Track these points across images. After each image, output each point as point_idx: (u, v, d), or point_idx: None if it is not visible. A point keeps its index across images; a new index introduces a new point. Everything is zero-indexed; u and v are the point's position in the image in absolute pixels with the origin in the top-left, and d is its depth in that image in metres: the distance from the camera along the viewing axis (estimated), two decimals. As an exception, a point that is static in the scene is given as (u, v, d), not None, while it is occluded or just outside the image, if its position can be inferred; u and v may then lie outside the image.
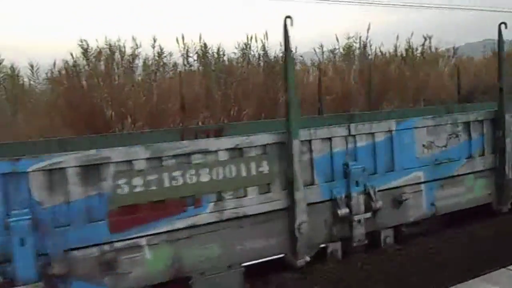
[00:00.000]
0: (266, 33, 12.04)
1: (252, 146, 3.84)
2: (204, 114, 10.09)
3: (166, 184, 3.46)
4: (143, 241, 3.40)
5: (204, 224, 3.64)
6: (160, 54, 12.33)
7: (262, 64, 12.44)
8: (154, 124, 9.54)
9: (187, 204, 3.60)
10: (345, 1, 30.78)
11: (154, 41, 11.97)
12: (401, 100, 12.98)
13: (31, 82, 11.92)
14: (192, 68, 12.47)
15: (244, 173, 3.76)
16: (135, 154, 3.38)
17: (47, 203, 3.18)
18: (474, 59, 19.55)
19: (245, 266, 3.91)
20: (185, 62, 12.45)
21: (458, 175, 5.10)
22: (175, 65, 12.59)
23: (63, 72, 11.25)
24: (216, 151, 3.68)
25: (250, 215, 3.86)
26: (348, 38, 14.49)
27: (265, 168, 3.91)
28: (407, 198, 4.69)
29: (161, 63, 12.38)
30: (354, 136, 4.35)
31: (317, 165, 4.20)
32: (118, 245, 3.32)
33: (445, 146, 4.98)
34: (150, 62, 12.15)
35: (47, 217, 3.14)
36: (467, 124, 5.16)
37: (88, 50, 11.42)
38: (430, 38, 15.38)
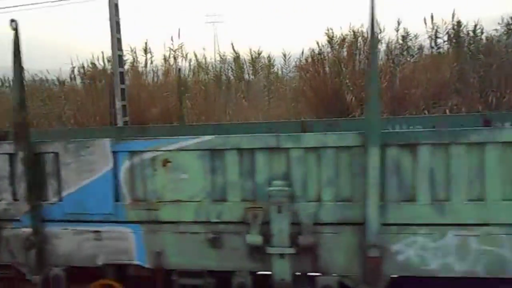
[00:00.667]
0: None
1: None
2: (454, 101, 8.98)
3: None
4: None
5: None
6: (405, 37, 11.75)
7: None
8: (396, 110, 9.14)
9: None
10: None
11: (398, 24, 11.52)
12: None
13: (283, 70, 13.33)
14: (441, 50, 11.37)
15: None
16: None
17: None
18: None
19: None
20: (433, 44, 11.46)
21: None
22: (420, 47, 11.76)
23: (309, 60, 12.10)
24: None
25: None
26: None
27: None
28: None
29: (405, 47, 11.78)
30: None
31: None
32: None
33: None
34: (393, 46, 11.73)
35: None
36: None
37: (333, 38, 11.88)
38: None
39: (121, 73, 15.40)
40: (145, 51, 17.16)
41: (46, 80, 19.17)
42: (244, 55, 14.16)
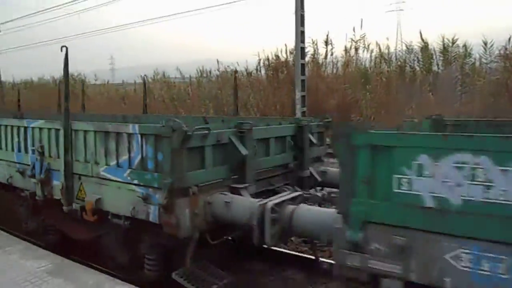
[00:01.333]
0: None
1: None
2: None
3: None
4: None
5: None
6: None
7: None
8: None
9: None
10: None
11: None
12: None
13: (482, 60, 11.54)
14: None
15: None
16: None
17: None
18: None
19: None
20: None
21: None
22: None
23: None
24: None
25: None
26: None
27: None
28: None
29: None
30: None
31: None
32: None
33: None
34: None
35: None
36: None
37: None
38: None
39: (302, 65, 15.88)
40: (326, 42, 17.21)
41: (236, 71, 21.25)
42: (434, 43, 12.79)
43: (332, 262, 3.36)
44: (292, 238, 5.33)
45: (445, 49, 12.44)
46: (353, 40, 15.38)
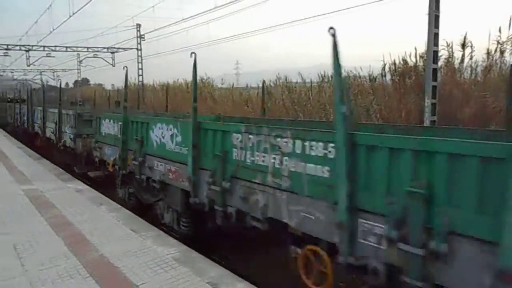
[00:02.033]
0: None
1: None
2: None
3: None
4: None
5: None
6: None
7: None
8: None
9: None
10: None
11: None
12: None
13: None
14: None
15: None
16: None
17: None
18: None
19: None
20: None
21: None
22: None
23: None
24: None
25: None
26: None
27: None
28: None
29: None
30: None
31: None
32: None
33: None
34: None
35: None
36: None
37: None
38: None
39: (434, 70, 14.63)
40: (463, 45, 15.59)
41: (359, 76, 20.57)
42: None
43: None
44: None
45: None
46: (499, 42, 13.61)
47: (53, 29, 30.60)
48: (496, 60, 13.92)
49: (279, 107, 22.51)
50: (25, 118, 18.43)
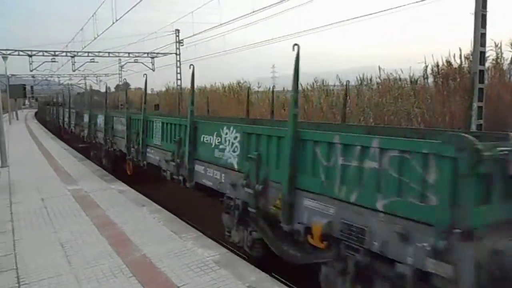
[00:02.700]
0: None
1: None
2: None
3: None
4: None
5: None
6: None
7: None
8: None
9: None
10: None
11: None
12: None
13: None
14: None
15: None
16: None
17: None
18: None
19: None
20: None
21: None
22: None
23: None
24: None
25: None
26: None
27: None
28: None
29: None
30: None
31: None
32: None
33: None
34: None
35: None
36: None
37: None
38: None
39: (481, 72, 13.97)
40: (513, 45, 14.83)
41: (399, 79, 19.99)
42: None
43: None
44: None
45: None
46: (552, 42, 12.87)
47: (97, 36, 31.79)
48: (549, 60, 13.15)
49: (316, 110, 22.26)
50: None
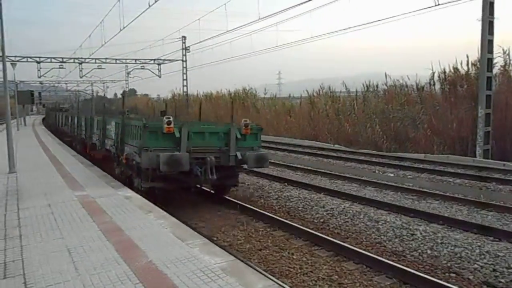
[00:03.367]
0: None
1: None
2: None
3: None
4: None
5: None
6: None
7: None
8: None
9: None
10: None
11: None
12: None
13: None
14: None
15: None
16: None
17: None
18: None
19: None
20: None
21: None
22: None
23: None
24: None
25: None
26: None
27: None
28: None
29: None
30: None
31: None
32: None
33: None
34: None
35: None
36: None
37: None
38: None
39: (489, 78, 13.92)
40: (521, 52, 14.76)
41: (406, 85, 19.94)
42: None
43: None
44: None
45: None
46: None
47: (105, 43, 32.07)
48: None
49: (322, 117, 22.23)
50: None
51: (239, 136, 8.80)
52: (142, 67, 44.92)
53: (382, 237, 7.07)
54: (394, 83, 20.64)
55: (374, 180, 11.44)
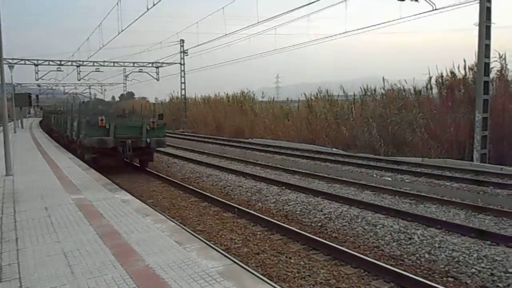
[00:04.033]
0: None
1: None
2: None
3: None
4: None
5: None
6: None
7: None
8: None
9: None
10: None
11: None
12: None
13: None
14: None
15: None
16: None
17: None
18: None
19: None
20: None
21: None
22: None
23: None
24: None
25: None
26: None
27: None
28: None
29: None
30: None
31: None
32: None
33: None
34: None
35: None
36: None
37: None
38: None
39: (486, 83, 13.98)
40: (518, 56, 14.82)
41: (403, 89, 19.99)
42: None
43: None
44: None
45: None
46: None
47: (103, 46, 32.05)
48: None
49: (320, 120, 22.24)
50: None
51: (148, 128, 13.81)
52: (140, 70, 44.89)
53: (380, 241, 7.07)
54: (391, 87, 20.65)
55: (371, 184, 11.44)
